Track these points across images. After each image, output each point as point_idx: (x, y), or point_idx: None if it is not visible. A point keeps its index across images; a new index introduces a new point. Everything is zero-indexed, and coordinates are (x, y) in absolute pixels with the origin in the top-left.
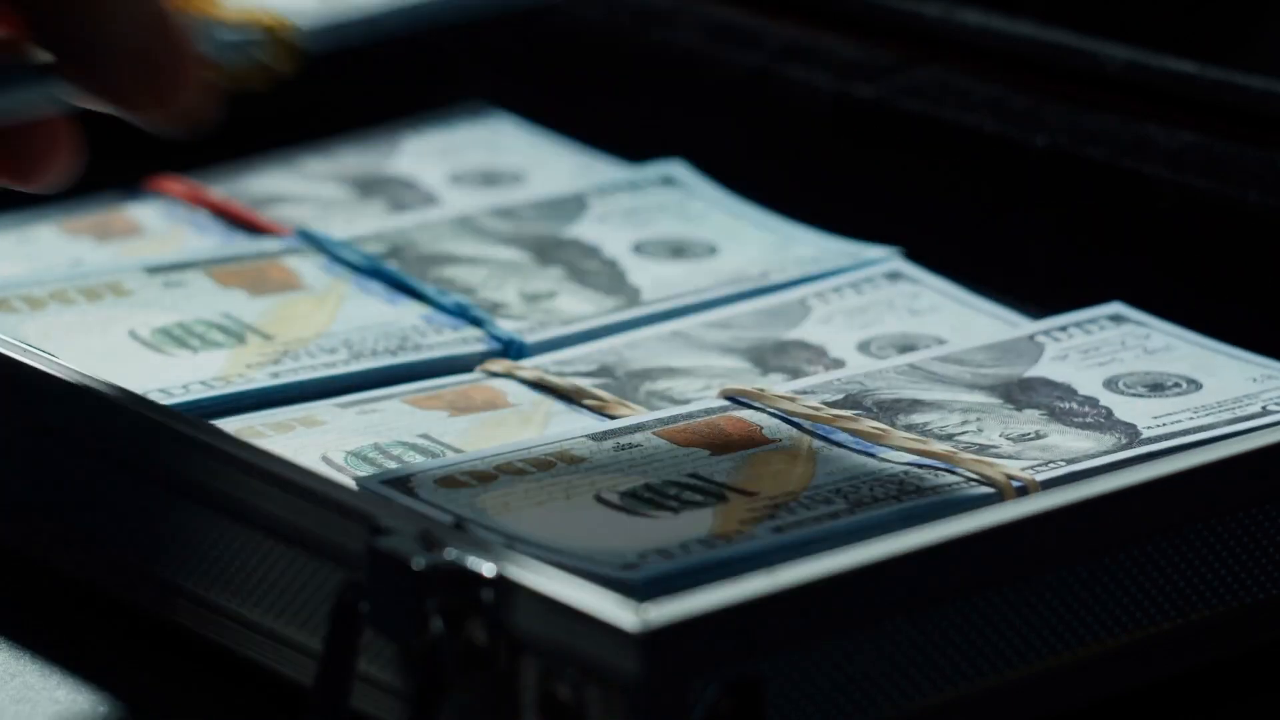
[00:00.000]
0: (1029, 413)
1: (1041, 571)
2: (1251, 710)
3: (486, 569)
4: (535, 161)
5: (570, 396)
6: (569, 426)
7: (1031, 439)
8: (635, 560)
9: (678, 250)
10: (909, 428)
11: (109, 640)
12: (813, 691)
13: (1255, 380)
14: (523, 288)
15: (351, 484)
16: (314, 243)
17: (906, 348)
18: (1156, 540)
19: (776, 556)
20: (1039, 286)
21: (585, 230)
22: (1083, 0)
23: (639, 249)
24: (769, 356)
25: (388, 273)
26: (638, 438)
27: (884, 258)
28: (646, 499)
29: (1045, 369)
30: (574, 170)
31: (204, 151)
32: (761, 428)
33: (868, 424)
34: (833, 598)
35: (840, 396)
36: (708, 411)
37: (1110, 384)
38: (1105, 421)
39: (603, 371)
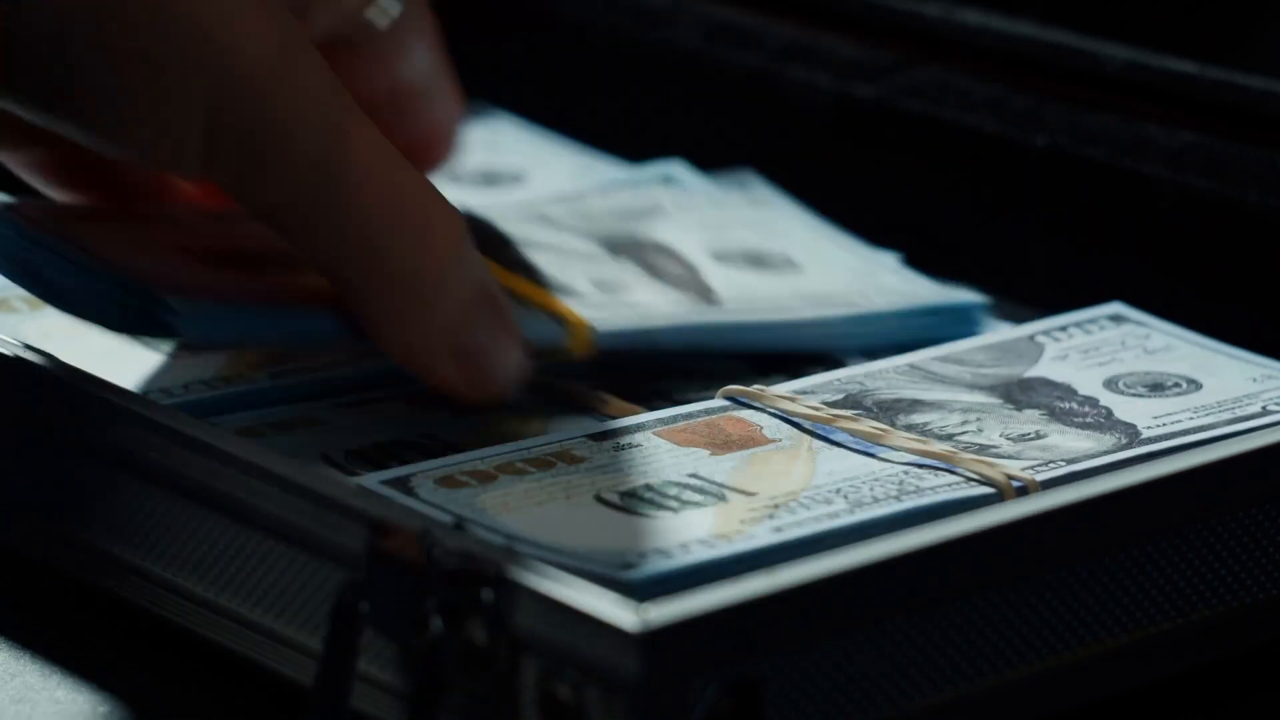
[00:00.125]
0: (1029, 413)
1: (1041, 571)
2: (1251, 710)
3: (486, 569)
4: (535, 161)
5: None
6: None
7: (1031, 439)
8: (634, 560)
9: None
10: (909, 428)
11: (109, 640)
12: (813, 691)
13: (1255, 380)
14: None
15: (350, 484)
16: None
17: (1155, 385)
18: (1156, 540)
19: (776, 556)
20: (1039, 286)
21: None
22: (1083, 0)
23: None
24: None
25: None
26: (638, 438)
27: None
28: (646, 499)
29: (1045, 369)
30: (574, 170)
31: None
32: (761, 428)
33: (868, 424)
34: (833, 598)
35: (840, 396)
36: (708, 411)
37: (1110, 384)
38: (1105, 421)
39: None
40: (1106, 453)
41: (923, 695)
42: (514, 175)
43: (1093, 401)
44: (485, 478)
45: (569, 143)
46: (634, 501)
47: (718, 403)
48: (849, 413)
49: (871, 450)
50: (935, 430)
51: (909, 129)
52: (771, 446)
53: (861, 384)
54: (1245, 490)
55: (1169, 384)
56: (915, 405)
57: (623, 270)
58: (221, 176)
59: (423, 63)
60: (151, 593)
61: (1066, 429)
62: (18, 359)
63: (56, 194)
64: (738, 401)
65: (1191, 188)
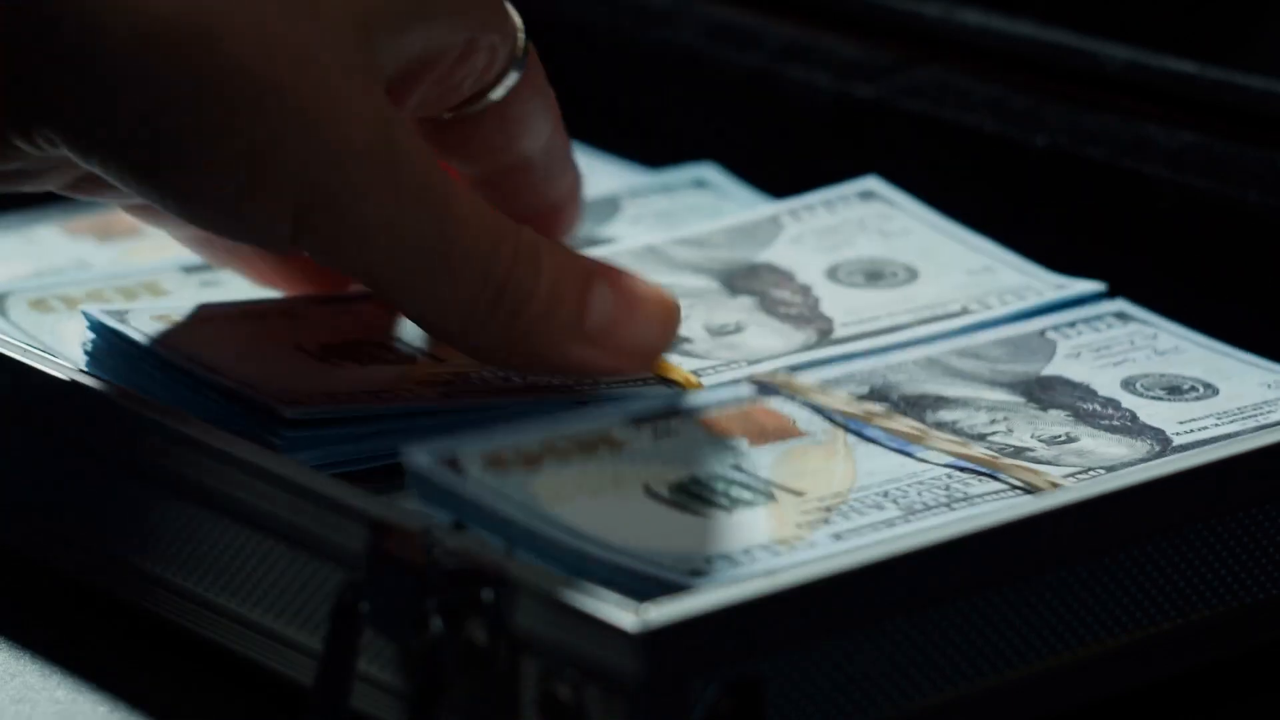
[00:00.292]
0: (1055, 413)
1: (1041, 571)
2: (1251, 710)
3: (486, 569)
4: None
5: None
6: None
7: (1063, 442)
8: (702, 566)
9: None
10: (939, 425)
11: (109, 640)
12: (813, 691)
13: (1270, 387)
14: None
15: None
16: None
17: (1172, 389)
18: (1156, 540)
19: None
20: None
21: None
22: (1083, 0)
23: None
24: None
25: None
26: (674, 424)
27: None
28: (696, 494)
29: (1061, 367)
30: None
31: None
32: (795, 420)
33: (904, 423)
34: (833, 598)
35: (865, 389)
36: (739, 400)
37: (1128, 385)
38: (1133, 426)
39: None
40: (1143, 460)
41: (923, 695)
42: None
43: (1115, 403)
44: (531, 460)
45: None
46: (684, 497)
47: (746, 389)
48: (881, 408)
49: (908, 449)
50: (965, 429)
51: (909, 129)
52: (806, 439)
53: (884, 377)
54: (1245, 490)
55: (1186, 388)
56: (940, 401)
57: (739, 309)
58: (313, 246)
59: (543, 134)
60: (152, 593)
61: (1096, 432)
62: (18, 359)
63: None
64: (767, 390)
65: (1191, 188)
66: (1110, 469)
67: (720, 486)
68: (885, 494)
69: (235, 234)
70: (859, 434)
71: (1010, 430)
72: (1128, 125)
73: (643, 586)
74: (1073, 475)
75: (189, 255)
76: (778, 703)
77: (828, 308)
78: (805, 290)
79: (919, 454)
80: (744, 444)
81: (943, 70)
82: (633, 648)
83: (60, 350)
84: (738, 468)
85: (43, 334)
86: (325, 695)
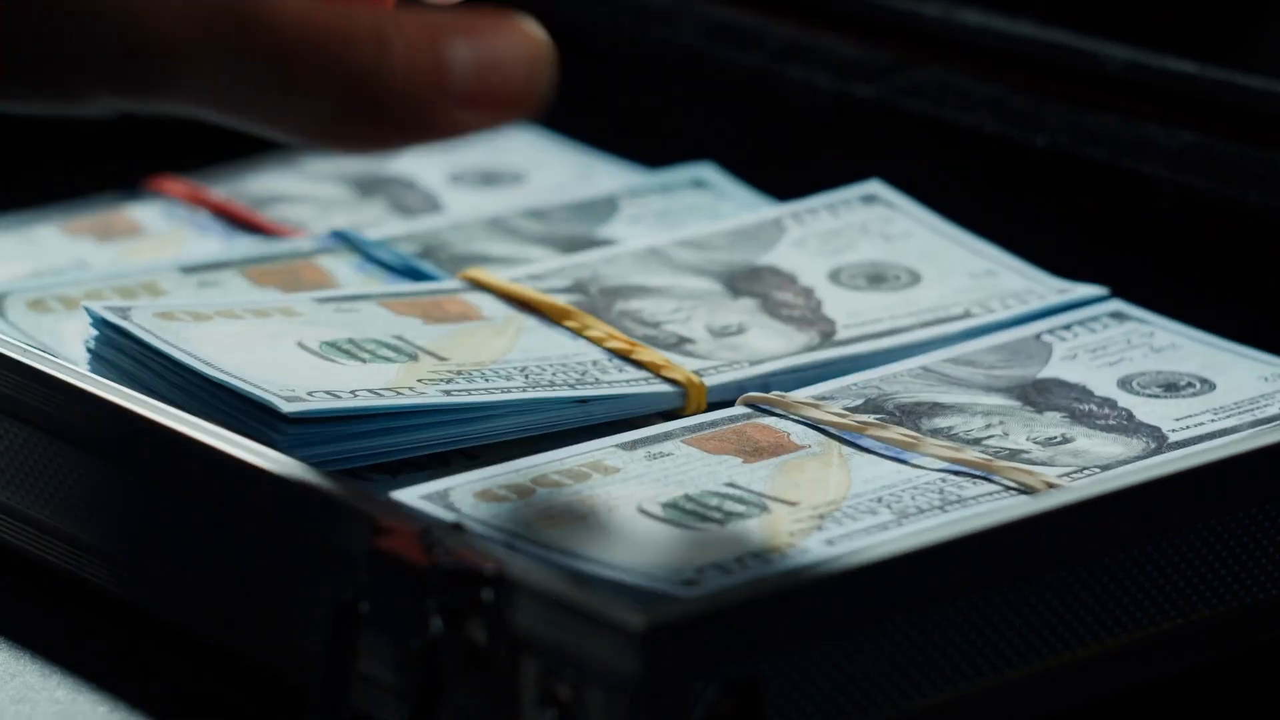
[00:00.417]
0: (1050, 415)
1: (1041, 571)
2: (1251, 710)
3: (486, 569)
4: (535, 161)
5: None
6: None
7: (1059, 443)
8: (694, 576)
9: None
10: (934, 432)
11: (109, 640)
12: (813, 691)
13: (1267, 380)
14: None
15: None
16: (347, 242)
17: (1169, 386)
18: (1156, 540)
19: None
20: None
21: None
22: (1083, 0)
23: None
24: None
25: (422, 272)
26: (667, 446)
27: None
28: (689, 510)
29: (1057, 369)
30: (574, 170)
31: (204, 151)
32: (789, 434)
33: (896, 431)
34: (833, 598)
35: (860, 401)
36: (732, 419)
37: (1124, 384)
38: (1128, 424)
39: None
40: (1138, 458)
41: (923, 695)
42: (514, 175)
43: (1111, 403)
44: (523, 491)
45: (569, 143)
46: (677, 513)
47: (740, 410)
48: (874, 418)
49: (903, 457)
50: (960, 434)
51: (909, 129)
52: (802, 453)
53: (879, 388)
54: (1245, 490)
55: (1183, 384)
56: (936, 409)
57: (741, 312)
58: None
59: None
60: (151, 593)
61: (1092, 432)
62: (18, 359)
63: None
64: (759, 408)
65: (1191, 188)
66: (1105, 468)
67: (713, 502)
68: (879, 500)
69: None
70: (854, 444)
71: (1005, 434)
72: (1128, 125)
73: (636, 599)
74: (1068, 475)
75: (188, 255)
76: (778, 703)
77: (830, 310)
78: (807, 293)
79: (913, 460)
80: (737, 462)
81: (943, 70)
82: (633, 648)
83: (59, 350)
84: (731, 484)
85: (41, 334)
86: (325, 695)
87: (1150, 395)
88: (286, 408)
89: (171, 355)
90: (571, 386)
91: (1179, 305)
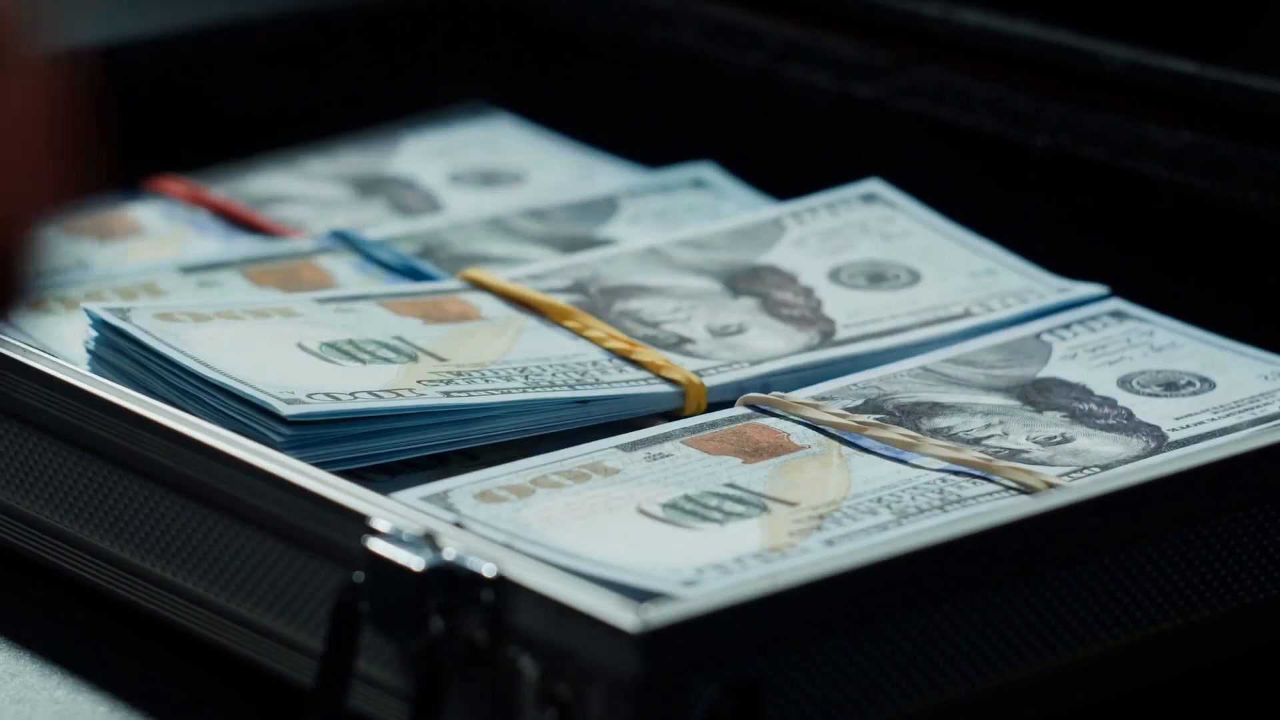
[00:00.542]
0: (1050, 415)
1: (1041, 571)
2: (1251, 710)
3: (486, 569)
4: (534, 161)
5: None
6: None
7: (1059, 442)
8: (694, 577)
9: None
10: (934, 432)
11: (109, 640)
12: (813, 691)
13: (1267, 378)
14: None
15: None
16: (347, 242)
17: (1169, 384)
18: (1156, 540)
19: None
20: None
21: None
22: (1083, 0)
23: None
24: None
25: (422, 272)
26: (667, 447)
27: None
28: (689, 510)
29: (1057, 369)
30: (574, 170)
31: (204, 151)
32: (789, 434)
33: (896, 432)
34: (833, 598)
35: (860, 401)
36: (732, 419)
37: (1124, 383)
38: (1128, 423)
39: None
40: (1138, 457)
41: (923, 695)
42: (514, 175)
43: (1111, 402)
44: (522, 492)
45: (568, 143)
46: (676, 514)
47: (740, 410)
48: (874, 418)
49: (903, 456)
50: (960, 434)
51: (909, 129)
52: (802, 453)
53: (878, 388)
54: (1245, 490)
55: (1182, 383)
56: (936, 408)
57: (742, 312)
58: None
59: None
60: (151, 593)
61: (1091, 431)
62: (17, 358)
63: None
64: (759, 409)
65: (1191, 187)
66: (1105, 467)
67: (713, 502)
68: (879, 500)
69: None
70: (853, 444)
71: (1005, 434)
72: (1128, 125)
73: (636, 599)
74: (1068, 475)
75: (188, 255)
76: (777, 703)
77: (830, 309)
78: (807, 292)
79: (913, 460)
80: (737, 462)
81: (943, 70)
82: (633, 648)
83: (59, 350)
84: (731, 484)
85: (41, 334)
86: (325, 695)
87: (1150, 394)
88: (286, 410)
89: (171, 357)
90: (571, 387)
91: (1179, 304)
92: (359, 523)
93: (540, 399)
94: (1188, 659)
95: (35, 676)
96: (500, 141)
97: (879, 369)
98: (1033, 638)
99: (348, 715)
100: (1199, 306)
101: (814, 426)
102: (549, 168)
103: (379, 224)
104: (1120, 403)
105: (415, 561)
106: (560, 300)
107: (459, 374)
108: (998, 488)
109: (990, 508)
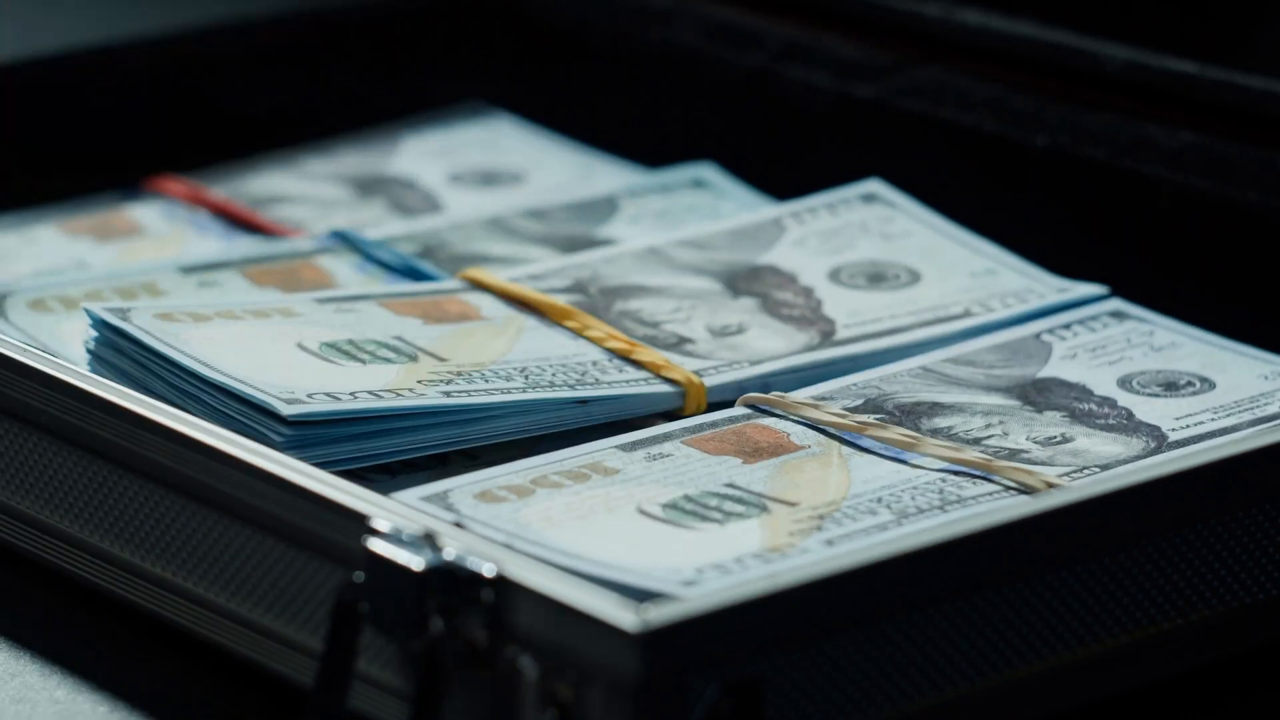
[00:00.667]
0: (1050, 414)
1: (1041, 571)
2: (1251, 710)
3: (486, 569)
4: (534, 161)
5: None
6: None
7: (1059, 442)
8: (694, 577)
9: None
10: (934, 432)
11: (109, 640)
12: (813, 691)
13: (1267, 378)
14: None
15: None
16: (347, 242)
17: (1169, 385)
18: (1156, 540)
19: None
20: None
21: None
22: (1083, 0)
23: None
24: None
25: (422, 272)
26: (667, 447)
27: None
28: (689, 510)
29: (1057, 369)
30: (573, 170)
31: (204, 151)
32: (789, 434)
33: (896, 432)
34: (833, 598)
35: (860, 401)
36: (731, 419)
37: (1124, 383)
38: (1128, 423)
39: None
40: (1138, 457)
41: (923, 695)
42: (514, 175)
43: (1111, 402)
44: (522, 492)
45: (568, 142)
46: (676, 514)
47: (740, 410)
48: (874, 418)
49: (903, 456)
50: (960, 434)
51: (909, 129)
52: (802, 453)
53: (878, 388)
54: (1245, 490)
55: (1182, 383)
56: (936, 408)
57: (742, 312)
58: None
59: None
60: (151, 593)
61: (1091, 431)
62: (18, 359)
63: None
64: (759, 409)
65: (1191, 187)
66: (1105, 467)
67: (713, 502)
68: (879, 500)
69: None
70: (853, 444)
71: (1005, 434)
72: (1128, 125)
73: (636, 599)
74: (1068, 475)
75: (188, 255)
76: (777, 703)
77: (830, 309)
78: (807, 292)
79: (913, 460)
80: (737, 462)
81: (943, 70)
82: (633, 648)
83: (59, 350)
84: (731, 484)
85: (42, 334)
86: (325, 695)
87: (1150, 394)
88: (286, 410)
89: (171, 357)
90: (571, 387)
91: (1179, 304)
92: (359, 523)
93: (540, 399)
94: (1188, 659)
95: (35, 676)
96: (500, 141)
97: (879, 369)
98: (1033, 638)
99: (348, 715)
100: (1199, 306)
101: (814, 426)
102: (549, 168)
103: (379, 224)
104: (1120, 403)
105: (415, 561)
106: (560, 300)
107: (459, 374)
108: (998, 488)
109: (990, 508)
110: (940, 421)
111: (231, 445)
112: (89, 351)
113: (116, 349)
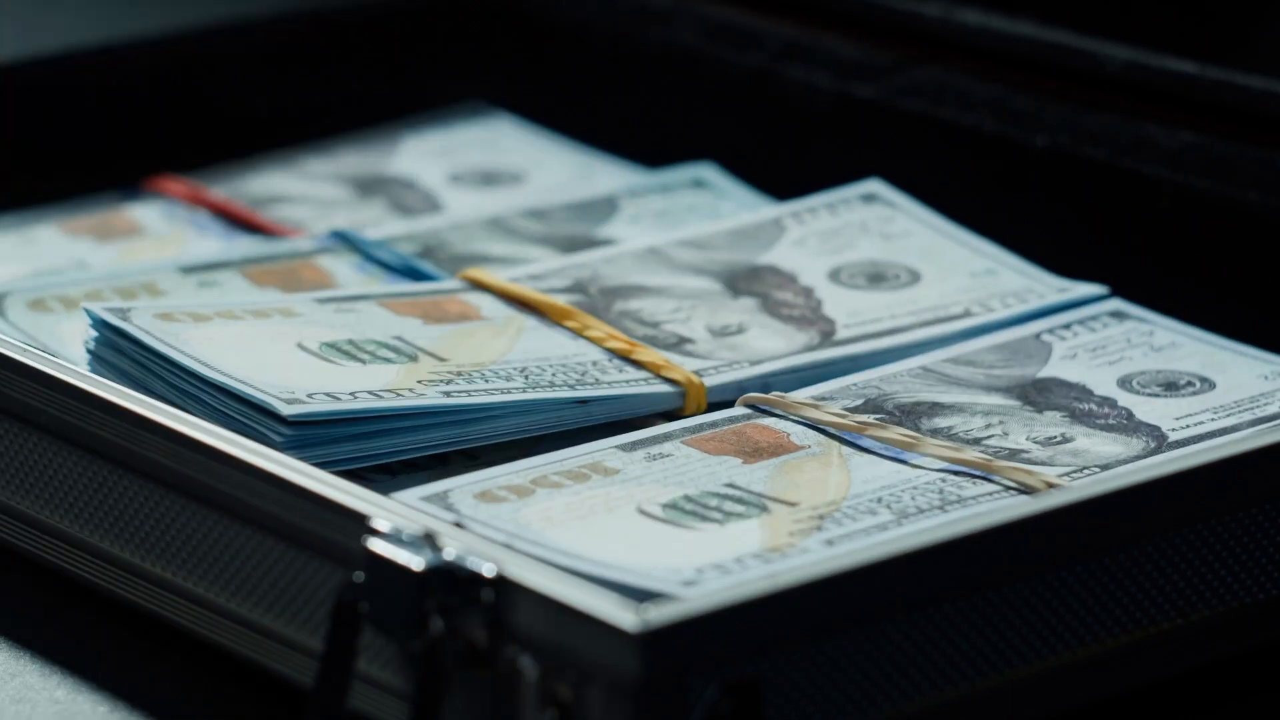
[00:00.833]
0: (1050, 414)
1: (1041, 571)
2: (1251, 710)
3: (486, 569)
4: (534, 161)
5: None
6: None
7: (1059, 442)
8: (694, 577)
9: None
10: (934, 432)
11: (109, 640)
12: (813, 691)
13: (1267, 378)
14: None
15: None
16: (347, 242)
17: (1169, 385)
18: (1156, 540)
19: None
20: None
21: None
22: (1083, 0)
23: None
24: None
25: (422, 272)
26: (667, 447)
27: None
28: (689, 510)
29: (1057, 369)
30: (573, 170)
31: (204, 151)
32: (789, 434)
33: (896, 432)
34: (833, 598)
35: (860, 401)
36: (732, 419)
37: (1124, 383)
38: (1128, 423)
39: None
40: (1138, 457)
41: (923, 695)
42: (514, 175)
43: (1111, 402)
44: (522, 492)
45: (568, 142)
46: (676, 514)
47: (740, 410)
48: (874, 418)
49: (903, 456)
50: (960, 434)
51: (909, 129)
52: (802, 453)
53: (878, 388)
54: (1245, 490)
55: (1182, 383)
56: (936, 408)
57: (742, 312)
58: None
59: None
60: (151, 593)
61: (1092, 431)
62: (18, 359)
63: None
64: (759, 409)
65: (1191, 187)
66: (1105, 467)
67: (713, 502)
68: (879, 500)
69: None
70: (853, 444)
71: (1005, 434)
72: (1128, 125)
73: (636, 599)
74: (1068, 475)
75: (188, 255)
76: (778, 703)
77: (830, 309)
78: (807, 292)
79: (913, 460)
80: (737, 462)
81: (943, 70)
82: (633, 648)
83: (59, 350)
84: (731, 484)
85: (41, 334)
86: (325, 695)
87: (1150, 394)
88: (286, 410)
89: (171, 357)
90: (571, 387)
91: (1179, 304)
92: (359, 523)
93: (540, 399)
94: (1188, 659)
95: (35, 676)
96: (500, 141)
97: (879, 369)
98: (1033, 638)
99: (348, 715)
100: (1199, 306)
101: (814, 426)
102: (549, 168)
103: (379, 224)
104: (1120, 403)
105: (415, 561)
106: (560, 300)
107: (459, 374)
108: (998, 488)
109: (990, 508)
110: (940, 421)
111: (231, 445)
112: (89, 351)
113: (116, 349)
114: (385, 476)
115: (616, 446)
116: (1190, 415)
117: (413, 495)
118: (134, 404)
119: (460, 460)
